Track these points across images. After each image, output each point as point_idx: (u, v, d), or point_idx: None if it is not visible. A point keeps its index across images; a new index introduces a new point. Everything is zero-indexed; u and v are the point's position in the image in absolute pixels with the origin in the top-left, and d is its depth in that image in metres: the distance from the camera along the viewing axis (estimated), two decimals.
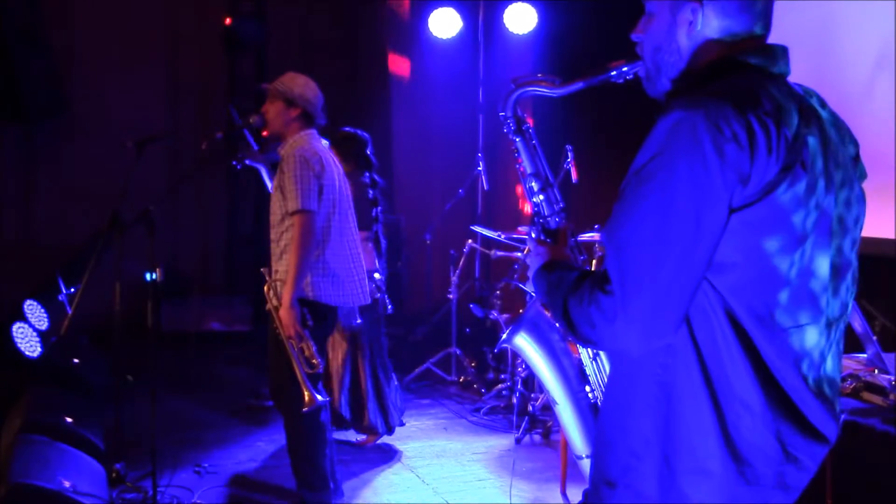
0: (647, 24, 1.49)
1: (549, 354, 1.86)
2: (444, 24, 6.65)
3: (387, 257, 4.71)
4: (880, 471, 2.55)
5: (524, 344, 1.87)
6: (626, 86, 1.64)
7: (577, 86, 1.66)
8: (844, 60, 4.07)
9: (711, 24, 1.40)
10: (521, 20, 6.34)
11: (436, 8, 6.67)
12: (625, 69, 1.58)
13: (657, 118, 1.33)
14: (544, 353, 1.86)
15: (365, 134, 4.59)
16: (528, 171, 1.79)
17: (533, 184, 1.78)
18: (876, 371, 2.78)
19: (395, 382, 4.66)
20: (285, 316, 3.28)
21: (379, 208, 4.53)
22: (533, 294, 1.87)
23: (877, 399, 2.67)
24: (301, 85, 3.47)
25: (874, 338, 2.82)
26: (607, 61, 1.61)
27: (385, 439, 4.53)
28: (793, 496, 1.39)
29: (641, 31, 1.50)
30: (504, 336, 1.91)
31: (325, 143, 3.63)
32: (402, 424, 4.66)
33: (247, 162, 4.12)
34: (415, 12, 7.06)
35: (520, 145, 1.80)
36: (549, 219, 1.74)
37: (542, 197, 1.76)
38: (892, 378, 2.70)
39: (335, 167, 3.54)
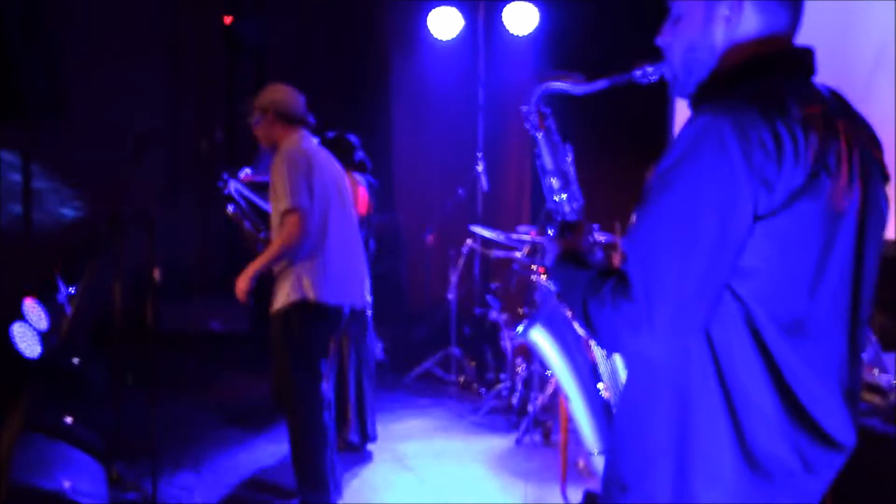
0: (674, 26, 1.45)
1: (564, 350, 1.85)
2: (444, 24, 6.65)
3: (380, 258, 4.65)
4: (880, 471, 2.55)
5: (540, 339, 1.87)
6: (628, 85, 1.62)
7: (601, 84, 1.64)
8: (844, 60, 4.07)
9: (749, 21, 1.36)
10: (521, 20, 6.34)
11: (435, 8, 6.68)
12: (649, 70, 1.56)
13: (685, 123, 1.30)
14: (559, 348, 1.85)
15: (353, 137, 4.52)
16: (549, 167, 1.77)
17: (554, 181, 1.75)
18: (876, 371, 2.78)
19: (374, 391, 4.46)
20: (241, 283, 3.35)
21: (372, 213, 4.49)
22: (551, 289, 1.85)
23: (877, 399, 2.68)
24: (269, 91, 3.58)
25: (874, 338, 2.82)
26: (628, 61, 1.59)
27: (385, 439, 4.52)
28: None
29: (668, 33, 1.47)
30: (520, 329, 1.90)
31: (314, 141, 3.62)
32: (374, 439, 4.42)
33: (230, 184, 4.14)
34: (415, 12, 7.05)
35: (541, 141, 1.77)
36: (567, 216, 1.73)
37: (564, 196, 1.74)
38: (892, 378, 2.70)
39: (330, 166, 3.55)
